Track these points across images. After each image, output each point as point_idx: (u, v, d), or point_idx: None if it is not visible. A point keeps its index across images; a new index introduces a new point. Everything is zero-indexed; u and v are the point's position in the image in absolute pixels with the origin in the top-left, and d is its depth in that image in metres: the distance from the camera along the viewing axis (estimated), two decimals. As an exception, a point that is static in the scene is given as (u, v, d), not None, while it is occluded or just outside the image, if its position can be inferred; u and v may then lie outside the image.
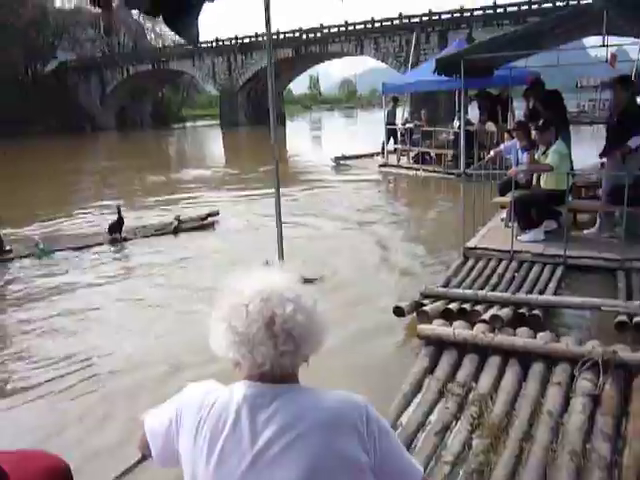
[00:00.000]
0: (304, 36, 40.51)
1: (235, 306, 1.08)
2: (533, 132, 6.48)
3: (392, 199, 11.89)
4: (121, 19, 57.71)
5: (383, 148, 15.78)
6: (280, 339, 1.05)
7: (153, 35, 62.48)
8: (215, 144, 34.22)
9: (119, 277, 6.34)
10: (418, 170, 13.51)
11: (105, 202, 11.32)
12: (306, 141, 31.71)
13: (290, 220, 8.72)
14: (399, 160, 14.78)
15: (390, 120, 15.47)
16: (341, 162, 16.17)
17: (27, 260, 6.98)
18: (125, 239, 7.78)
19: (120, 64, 49.10)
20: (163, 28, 62.66)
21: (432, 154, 13.86)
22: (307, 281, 1.31)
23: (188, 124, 56.86)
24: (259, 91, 44.39)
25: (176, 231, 8.22)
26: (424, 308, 4.42)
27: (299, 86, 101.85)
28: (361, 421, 1.08)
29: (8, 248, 7.23)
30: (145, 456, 1.29)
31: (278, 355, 1.06)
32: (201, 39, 48.49)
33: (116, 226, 7.70)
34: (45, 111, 45.48)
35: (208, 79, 46.29)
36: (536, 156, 6.14)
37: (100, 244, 7.61)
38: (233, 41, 43.94)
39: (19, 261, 6.95)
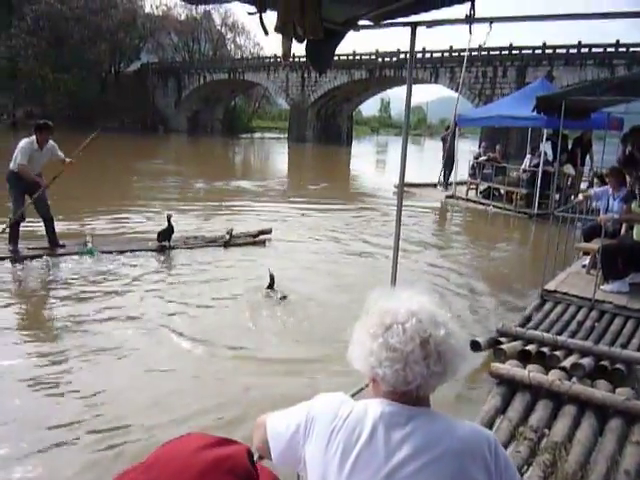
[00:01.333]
0: (380, 59, 40.42)
1: (391, 324, 1.13)
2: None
3: (459, 232, 11.39)
4: (204, 28, 59.58)
5: (445, 178, 15.61)
6: (432, 359, 1.11)
7: (233, 46, 64.06)
8: (280, 157, 34.39)
9: (157, 288, 6.14)
10: (488, 205, 13.01)
11: (165, 204, 11.35)
12: (370, 164, 31.41)
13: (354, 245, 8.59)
14: (467, 193, 14.35)
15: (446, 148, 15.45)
16: (405, 190, 15.70)
17: (75, 258, 6.89)
18: (173, 247, 7.62)
19: (198, 71, 50.43)
20: (243, 40, 64.64)
21: (502, 190, 13.37)
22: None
23: (256, 135, 57.72)
24: (329, 109, 44.61)
25: (226, 245, 8.01)
26: (501, 346, 4.50)
27: (369, 108, 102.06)
28: (490, 453, 1.13)
29: (61, 243, 7.19)
30: (262, 457, 1.31)
31: (428, 375, 1.11)
32: (278, 52, 49.33)
33: (166, 234, 7.55)
34: (123, 109, 47.15)
35: (281, 92, 46.87)
36: (633, 205, 5.76)
37: (148, 250, 7.47)
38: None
39: (68, 258, 6.87)
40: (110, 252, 7.15)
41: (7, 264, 6.48)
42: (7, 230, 6.87)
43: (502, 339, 4.64)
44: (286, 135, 47.45)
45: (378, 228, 10.51)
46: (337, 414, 1.16)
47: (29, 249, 6.93)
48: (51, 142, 6.97)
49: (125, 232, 8.75)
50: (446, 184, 15.87)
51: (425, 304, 1.18)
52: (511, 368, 3.90)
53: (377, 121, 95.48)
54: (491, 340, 4.63)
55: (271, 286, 6.08)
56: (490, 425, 3.36)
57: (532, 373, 3.78)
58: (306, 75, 43.92)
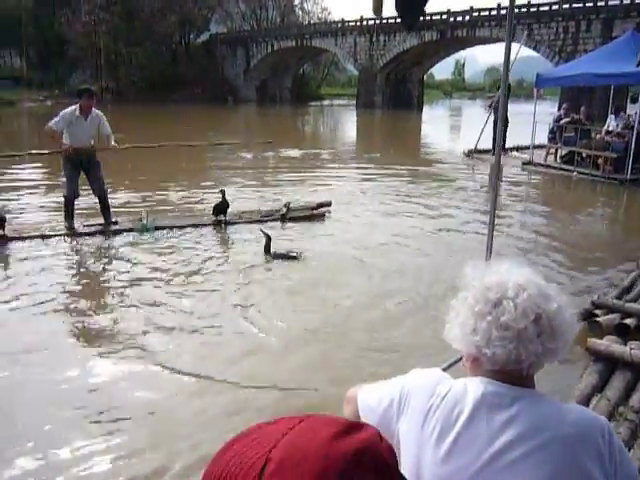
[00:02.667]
0: (452, 19, 38.54)
1: (499, 300, 1.07)
2: None
3: (540, 201, 10.51)
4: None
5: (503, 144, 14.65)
6: (546, 335, 1.05)
7: (300, 12, 63.23)
8: (347, 125, 33.75)
9: (210, 264, 5.89)
10: (572, 172, 12.05)
11: (225, 177, 11.18)
12: (441, 129, 30.18)
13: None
14: (546, 159, 13.37)
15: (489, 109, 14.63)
16: (475, 156, 14.89)
17: (128, 235, 6.77)
18: (229, 222, 7.37)
19: (266, 39, 50.06)
20: (311, 5, 63.61)
21: (584, 155, 12.37)
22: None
23: (325, 102, 57.03)
24: (399, 74, 43.27)
25: (284, 219, 7.68)
26: (597, 319, 4.33)
27: (442, 71, 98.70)
28: (604, 442, 1.03)
29: (114, 220, 7.08)
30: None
31: (542, 353, 1.05)
32: (346, 17, 48.22)
33: (221, 208, 7.30)
34: (192, 80, 47.70)
35: (349, 58, 45.83)
36: None
37: (204, 225, 7.26)
38: (377, 21, 42.95)
39: (120, 235, 6.76)
40: (164, 228, 6.98)
41: (63, 242, 6.43)
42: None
43: (597, 311, 4.46)
44: (355, 102, 46.54)
45: (448, 198, 9.96)
46: (434, 391, 1.10)
47: (85, 226, 6.86)
48: (97, 112, 6.66)
49: (183, 206, 8.57)
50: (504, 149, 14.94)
51: (532, 277, 1.11)
52: (610, 344, 3.68)
53: (450, 84, 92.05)
54: (585, 312, 4.47)
55: (267, 249, 6.04)
56: (586, 404, 3.16)
57: (634, 350, 3.54)
58: (374, 39, 42.62)
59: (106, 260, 5.98)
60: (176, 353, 3.96)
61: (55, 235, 6.50)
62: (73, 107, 6.52)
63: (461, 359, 1.24)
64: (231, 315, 4.62)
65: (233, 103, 47.36)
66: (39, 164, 11.76)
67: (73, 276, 5.52)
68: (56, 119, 6.46)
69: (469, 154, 15.00)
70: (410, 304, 4.95)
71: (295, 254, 6.11)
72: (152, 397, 3.44)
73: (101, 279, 5.46)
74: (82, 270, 5.69)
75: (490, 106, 14.87)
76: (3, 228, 6.21)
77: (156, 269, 5.68)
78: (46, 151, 6.83)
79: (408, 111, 39.47)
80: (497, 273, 1.12)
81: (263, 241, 6.24)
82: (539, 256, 6.50)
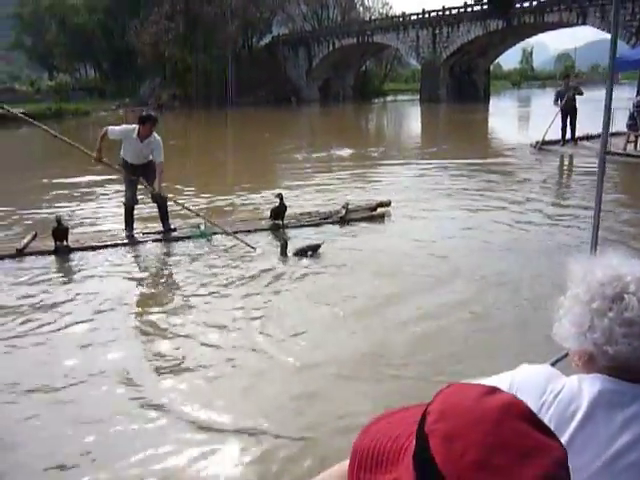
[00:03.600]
0: (518, 4, 37.10)
1: (620, 295, 1.01)
2: None
3: (625, 191, 9.77)
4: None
5: (564, 134, 14.09)
6: None
7: (361, 9, 62.78)
8: (410, 121, 33.18)
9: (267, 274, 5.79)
10: None
11: (285, 182, 11.12)
12: (509, 121, 29.08)
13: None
14: (625, 147, 12.54)
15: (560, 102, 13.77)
16: (543, 147, 14.14)
17: (188, 243, 6.79)
18: (287, 226, 7.27)
19: (327, 38, 49.99)
20: (371, 1, 63.07)
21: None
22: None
23: (389, 98, 56.39)
24: (463, 66, 42.15)
25: (343, 221, 7.50)
26: None
27: (510, 60, 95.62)
28: None
29: (173, 227, 7.11)
30: None
31: None
32: (407, 10, 47.48)
33: (278, 212, 7.20)
34: (257, 83, 48.25)
35: (411, 52, 45.04)
36: None
37: (262, 230, 7.18)
38: (440, 12, 41.96)
39: (179, 242, 6.78)
40: (222, 233, 6.93)
41: (121, 250, 6.51)
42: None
43: None
44: (419, 96, 45.73)
45: (516, 191, 9.56)
46: (546, 388, 1.05)
47: (143, 234, 6.92)
48: (157, 137, 6.65)
49: (234, 211, 8.54)
50: (563, 140, 14.17)
51: None
52: None
53: (518, 74, 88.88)
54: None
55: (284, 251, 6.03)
56: None
57: None
58: (437, 31, 41.65)
59: (164, 269, 6.00)
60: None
61: (115, 245, 6.58)
62: (132, 126, 6.62)
63: (566, 355, 1.22)
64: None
65: (296, 104, 47.57)
66: (98, 172, 11.96)
67: (132, 286, 5.55)
68: (117, 127, 6.59)
69: (536, 146, 14.29)
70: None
71: (318, 243, 6.21)
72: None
73: (156, 290, 5.47)
74: (140, 280, 5.72)
75: (557, 101, 14.04)
76: (66, 239, 6.33)
77: (213, 275, 5.65)
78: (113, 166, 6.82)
79: (474, 104, 38.31)
80: (609, 267, 1.07)
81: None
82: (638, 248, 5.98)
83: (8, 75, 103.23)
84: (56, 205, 9.02)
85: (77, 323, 4.58)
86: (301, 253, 6.09)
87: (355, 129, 27.11)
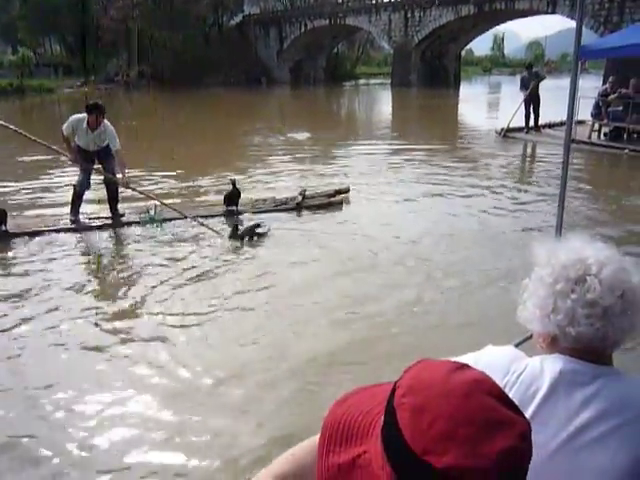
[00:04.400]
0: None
1: (582, 277, 1.03)
2: None
3: (589, 180, 9.75)
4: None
5: (527, 121, 14.17)
6: (631, 312, 1.02)
7: (335, -11, 61.97)
8: (380, 105, 33.00)
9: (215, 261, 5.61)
10: (622, 149, 11.31)
11: (243, 166, 10.88)
12: (478, 107, 29.15)
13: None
14: (590, 136, 12.62)
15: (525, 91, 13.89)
16: (508, 134, 14.16)
17: (135, 228, 6.53)
18: (240, 212, 7.07)
19: (299, 19, 49.30)
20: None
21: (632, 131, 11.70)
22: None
23: (361, 82, 56.05)
24: (435, 51, 42.03)
25: (299, 208, 7.34)
26: None
27: (481, 46, 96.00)
28: None
29: (121, 213, 6.82)
30: None
31: (627, 330, 1.03)
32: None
33: (232, 198, 7.00)
34: (226, 63, 47.44)
35: (383, 35, 44.67)
36: None
37: (215, 216, 6.97)
38: (413, -5, 41.64)
39: (126, 228, 6.52)
40: (173, 220, 6.71)
41: (66, 235, 6.23)
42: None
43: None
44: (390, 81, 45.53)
45: (480, 177, 9.58)
46: (509, 369, 1.06)
47: (90, 219, 6.65)
48: (109, 126, 6.39)
49: (191, 197, 8.25)
50: (527, 128, 14.27)
51: (610, 252, 1.07)
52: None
53: (489, 60, 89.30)
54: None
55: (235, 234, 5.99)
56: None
57: None
58: (409, 15, 41.36)
59: (110, 256, 5.77)
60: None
61: (59, 230, 6.29)
62: (81, 115, 6.35)
63: (531, 337, 1.23)
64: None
65: (267, 85, 46.95)
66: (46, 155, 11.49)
67: (74, 273, 5.31)
68: (65, 124, 6.34)
69: (502, 133, 14.30)
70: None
71: (262, 229, 6.17)
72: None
73: (100, 276, 5.24)
74: (83, 267, 5.49)
75: (522, 88, 14.09)
76: (5, 223, 6.03)
77: (159, 264, 5.44)
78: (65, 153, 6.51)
79: (444, 89, 38.30)
80: (572, 250, 1.09)
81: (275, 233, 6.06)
82: (602, 233, 5.96)
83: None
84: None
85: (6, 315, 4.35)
86: (247, 233, 5.95)
87: (323, 112, 26.85)
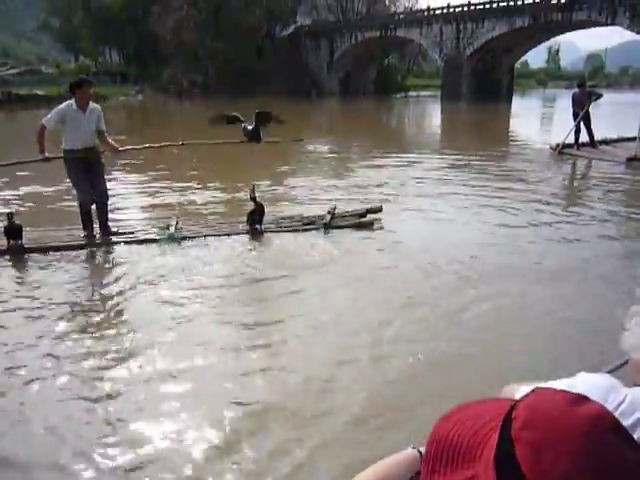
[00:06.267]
0: (545, 2, 35.99)
1: None
2: None
3: None
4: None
5: (577, 137, 13.32)
6: None
7: (387, 1, 61.79)
8: (431, 118, 32.44)
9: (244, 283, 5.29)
10: None
11: (277, 178, 10.62)
12: (531, 121, 28.21)
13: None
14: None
15: (577, 108, 13.05)
16: (563, 151, 13.45)
17: (151, 246, 6.28)
18: (265, 231, 6.77)
19: (350, 30, 49.23)
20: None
21: None
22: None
23: (411, 94, 55.47)
24: (487, 63, 41.19)
25: (326, 227, 6.97)
26: None
27: (537, 58, 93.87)
28: None
29: (115, 230, 6.46)
30: None
31: None
32: (432, 4, 46.54)
33: (256, 215, 6.70)
34: (277, 74, 47.78)
35: (434, 47, 44.14)
36: None
37: (238, 234, 6.67)
38: (464, 8, 40.97)
39: (143, 245, 6.26)
40: (193, 237, 6.45)
41: (71, 255, 5.98)
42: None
43: None
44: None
45: (539, 196, 9.02)
46: (607, 398, 1.00)
47: (104, 236, 6.43)
48: (95, 105, 6.07)
49: (214, 213, 7.95)
50: (577, 144, 13.43)
51: None
52: None
53: (544, 73, 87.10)
54: None
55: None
56: None
57: None
58: (461, 27, 40.68)
59: (126, 276, 5.53)
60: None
61: (74, 247, 6.10)
62: (69, 101, 5.95)
63: (625, 364, 1.20)
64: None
65: (316, 96, 47.00)
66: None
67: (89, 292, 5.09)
68: (49, 115, 5.85)
69: (557, 149, 13.59)
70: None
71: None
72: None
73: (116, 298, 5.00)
74: (96, 286, 5.27)
75: (573, 106, 13.32)
76: (20, 237, 5.89)
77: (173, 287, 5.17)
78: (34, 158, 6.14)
79: (496, 102, 37.39)
80: None
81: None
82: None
83: (36, 57, 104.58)
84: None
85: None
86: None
87: (369, 124, 26.45)
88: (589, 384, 1.05)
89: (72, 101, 5.94)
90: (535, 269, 5.65)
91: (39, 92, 36.09)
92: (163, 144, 6.86)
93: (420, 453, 1.00)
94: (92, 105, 6.06)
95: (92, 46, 59.36)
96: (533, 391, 0.64)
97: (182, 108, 36.95)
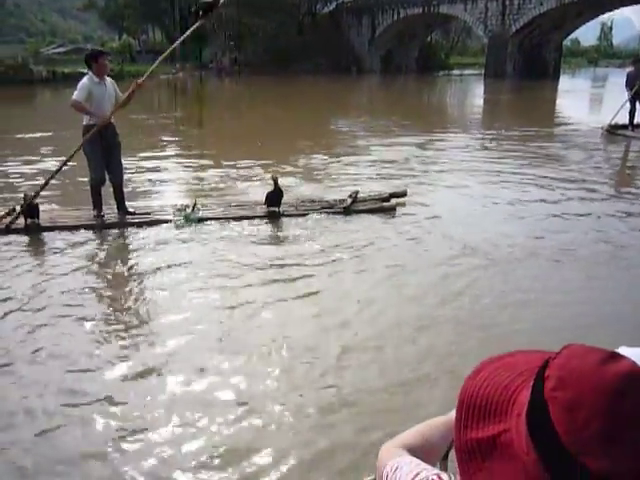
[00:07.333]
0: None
1: None
2: None
3: None
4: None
5: (631, 119, 12.66)
6: None
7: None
8: (474, 97, 31.55)
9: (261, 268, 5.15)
10: None
11: (302, 161, 10.44)
12: (580, 101, 27.09)
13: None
14: None
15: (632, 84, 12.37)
16: (611, 131, 12.92)
17: (164, 227, 6.22)
18: (283, 214, 6.62)
19: (392, 6, 48.15)
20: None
21: None
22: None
23: (454, 72, 54.14)
24: (533, 40, 39.71)
25: (347, 212, 6.77)
26: None
27: (589, 35, 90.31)
28: None
29: (131, 210, 6.42)
30: None
31: None
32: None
33: (274, 198, 6.55)
34: (318, 51, 47.31)
35: (479, 24, 42.76)
36: None
37: (254, 217, 6.54)
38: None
39: (157, 227, 6.21)
40: (208, 219, 6.35)
41: (88, 233, 5.98)
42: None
43: None
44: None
45: (588, 181, 8.61)
46: None
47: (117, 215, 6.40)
48: (109, 79, 6.05)
49: (234, 196, 7.74)
50: (631, 125, 12.81)
51: None
52: None
53: (595, 51, 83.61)
54: None
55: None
56: None
57: None
58: (507, 2, 39.19)
59: (137, 257, 5.48)
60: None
61: (91, 226, 6.06)
62: (87, 76, 5.90)
63: None
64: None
65: (357, 73, 46.39)
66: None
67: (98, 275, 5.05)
68: (77, 92, 5.78)
69: (605, 129, 13.05)
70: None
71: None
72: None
73: (125, 281, 4.95)
74: (108, 268, 5.22)
75: (627, 86, 12.66)
76: (37, 216, 5.91)
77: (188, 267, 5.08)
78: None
79: (542, 81, 36.05)
80: None
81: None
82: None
83: (82, 35, 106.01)
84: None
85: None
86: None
87: (408, 102, 25.89)
88: (633, 357, 0.94)
89: (90, 74, 5.90)
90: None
91: (83, 70, 36.63)
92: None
93: None
94: (107, 78, 6.04)
95: (135, 24, 59.85)
96: (565, 348, 0.64)
97: (220, 86, 36.98)
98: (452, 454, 0.89)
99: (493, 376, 0.67)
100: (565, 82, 39.44)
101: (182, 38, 6.90)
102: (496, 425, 0.64)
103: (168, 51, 6.67)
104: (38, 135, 13.09)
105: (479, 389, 0.66)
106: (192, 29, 6.49)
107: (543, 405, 0.59)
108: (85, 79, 5.88)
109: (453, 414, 0.90)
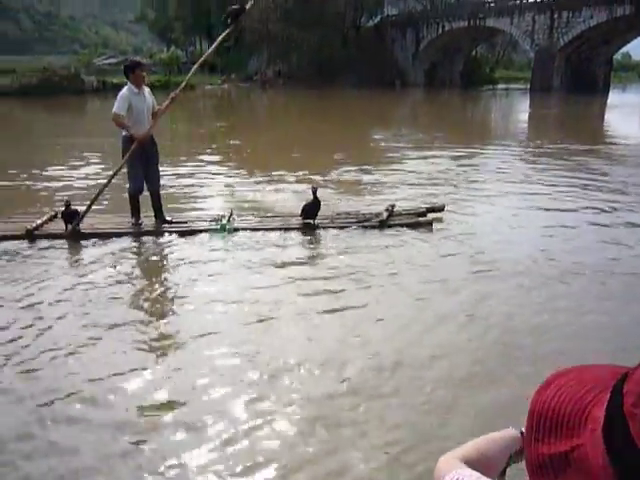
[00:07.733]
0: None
1: None
2: None
3: None
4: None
5: None
6: None
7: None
8: (518, 112, 31.02)
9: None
10: None
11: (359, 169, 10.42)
12: (630, 116, 26.32)
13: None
14: None
15: None
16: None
17: (202, 236, 6.27)
18: (318, 227, 6.59)
19: (437, 20, 47.93)
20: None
21: None
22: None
23: (500, 86, 53.43)
24: (582, 54, 38.87)
25: (382, 225, 6.70)
26: None
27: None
28: None
29: (169, 219, 6.51)
30: None
31: None
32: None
33: (311, 209, 6.53)
34: (362, 64, 47.35)
35: (525, 38, 42.09)
36: None
37: (289, 229, 6.53)
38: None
39: (194, 236, 6.26)
40: (245, 230, 6.38)
41: (125, 240, 6.10)
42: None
43: None
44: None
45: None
46: None
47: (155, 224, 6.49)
48: (147, 88, 6.17)
49: (269, 205, 7.83)
50: None
51: None
52: None
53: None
54: None
55: None
56: None
57: None
58: (556, 16, 38.50)
59: (172, 266, 5.55)
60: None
61: (130, 234, 6.19)
62: (127, 86, 6.02)
63: None
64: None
65: (400, 87, 46.24)
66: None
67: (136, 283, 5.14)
68: (117, 104, 5.91)
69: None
70: None
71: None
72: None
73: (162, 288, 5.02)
74: (143, 275, 5.31)
75: None
76: (77, 223, 6.04)
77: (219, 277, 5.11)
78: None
79: (590, 95, 35.21)
80: None
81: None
82: None
83: (133, 47, 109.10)
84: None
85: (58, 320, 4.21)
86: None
87: (452, 117, 25.67)
88: None
89: (129, 85, 6.03)
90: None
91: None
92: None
93: (521, 433, 0.98)
94: (146, 89, 6.19)
95: (184, 36, 61.24)
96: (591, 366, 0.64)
97: (264, 98, 37.42)
98: (509, 470, 0.95)
99: (564, 389, 0.66)
100: (615, 97, 38.45)
101: (212, 47, 7.06)
102: (569, 440, 0.63)
103: (199, 62, 6.90)
104: (84, 141, 13.52)
105: (550, 401, 0.66)
106: (221, 38, 6.62)
107: (623, 421, 0.57)
108: (125, 89, 6.02)
109: (507, 431, 0.97)
